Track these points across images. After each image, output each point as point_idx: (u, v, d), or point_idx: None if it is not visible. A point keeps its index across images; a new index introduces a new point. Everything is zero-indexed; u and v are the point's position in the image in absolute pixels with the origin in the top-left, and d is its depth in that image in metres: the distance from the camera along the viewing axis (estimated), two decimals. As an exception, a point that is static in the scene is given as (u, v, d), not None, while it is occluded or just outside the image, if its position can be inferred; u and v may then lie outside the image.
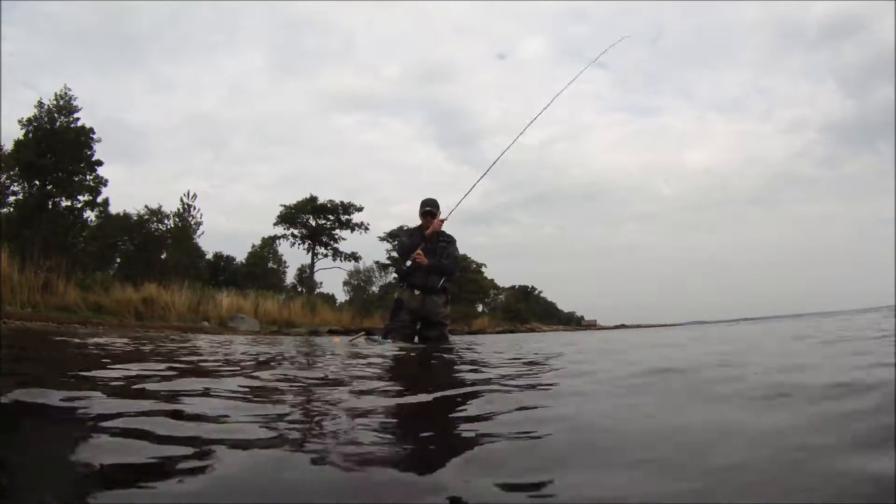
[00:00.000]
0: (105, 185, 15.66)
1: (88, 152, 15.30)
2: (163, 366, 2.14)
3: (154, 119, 44.69)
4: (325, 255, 23.61)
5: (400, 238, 5.01)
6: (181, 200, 19.18)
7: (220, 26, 63.58)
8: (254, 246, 23.89)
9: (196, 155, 44.08)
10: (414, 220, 4.99)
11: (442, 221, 4.82)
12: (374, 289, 25.71)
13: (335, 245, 23.53)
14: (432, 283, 4.71)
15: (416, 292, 4.68)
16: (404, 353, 3.45)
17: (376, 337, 4.78)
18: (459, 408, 1.31)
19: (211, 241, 24.99)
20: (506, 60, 78.55)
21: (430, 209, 4.81)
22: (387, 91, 60.64)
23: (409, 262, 4.64)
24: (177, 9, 63.72)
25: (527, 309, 34.03)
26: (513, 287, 35.92)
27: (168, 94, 49.36)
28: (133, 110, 46.50)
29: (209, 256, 21.14)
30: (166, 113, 51.80)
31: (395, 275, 5.07)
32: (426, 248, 4.72)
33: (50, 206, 14.83)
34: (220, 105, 54.73)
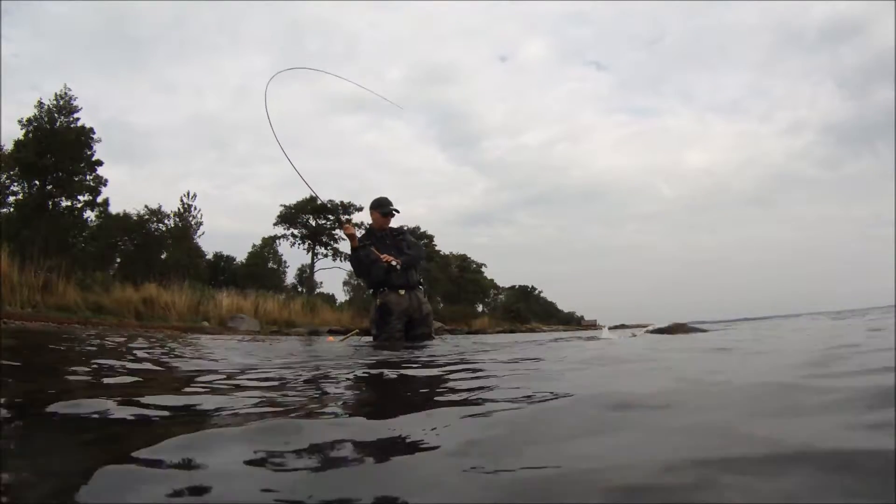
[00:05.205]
0: (105, 185, 15.72)
1: (88, 152, 15.33)
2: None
3: (158, 120, 44.52)
4: (325, 256, 23.63)
5: (354, 256, 4.64)
6: (181, 200, 19.25)
7: (223, 29, 63.44)
8: (254, 246, 23.94)
9: (200, 156, 44.01)
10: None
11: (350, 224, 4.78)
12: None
13: (335, 245, 23.56)
14: (413, 278, 4.57)
15: (402, 292, 4.50)
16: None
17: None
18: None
19: (212, 241, 24.99)
20: (507, 62, 78.51)
21: (395, 208, 4.67)
22: (389, 92, 60.73)
23: (382, 265, 4.41)
24: (180, 11, 63.60)
25: (527, 309, 34.04)
26: (513, 287, 35.96)
27: (172, 95, 49.27)
28: (137, 112, 46.42)
29: (209, 256, 21.15)
30: (171, 114, 51.70)
31: (370, 289, 4.72)
32: (385, 245, 4.56)
33: (50, 206, 14.85)
34: (224, 106, 54.68)
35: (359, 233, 4.84)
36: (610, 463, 0.68)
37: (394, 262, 4.43)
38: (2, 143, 14.63)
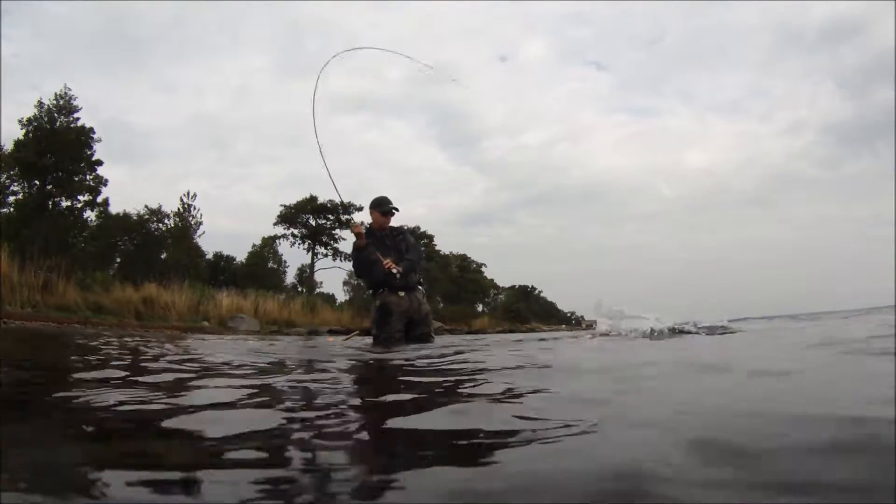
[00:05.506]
0: (105, 185, 15.66)
1: (88, 152, 15.29)
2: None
3: (158, 120, 44.15)
4: (325, 255, 23.58)
5: (356, 257, 4.62)
6: (181, 200, 19.23)
7: (224, 29, 63.11)
8: (254, 246, 23.89)
9: (200, 156, 43.78)
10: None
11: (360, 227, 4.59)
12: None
13: (335, 245, 23.51)
14: (413, 280, 4.61)
15: (401, 293, 4.52)
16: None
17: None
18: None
19: (212, 241, 24.86)
20: (507, 62, 78.20)
21: (394, 207, 4.65)
22: (389, 92, 60.28)
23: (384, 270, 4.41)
24: (180, 11, 63.27)
25: (527, 309, 34.01)
26: (513, 287, 35.91)
27: (172, 95, 48.90)
28: (137, 112, 46.20)
29: (209, 256, 21.12)
30: (171, 114, 51.37)
31: (370, 290, 4.75)
32: (385, 246, 4.56)
33: (50, 206, 14.83)
34: (225, 106, 54.33)
35: None
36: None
37: (394, 270, 4.43)
38: (2, 143, 14.62)
